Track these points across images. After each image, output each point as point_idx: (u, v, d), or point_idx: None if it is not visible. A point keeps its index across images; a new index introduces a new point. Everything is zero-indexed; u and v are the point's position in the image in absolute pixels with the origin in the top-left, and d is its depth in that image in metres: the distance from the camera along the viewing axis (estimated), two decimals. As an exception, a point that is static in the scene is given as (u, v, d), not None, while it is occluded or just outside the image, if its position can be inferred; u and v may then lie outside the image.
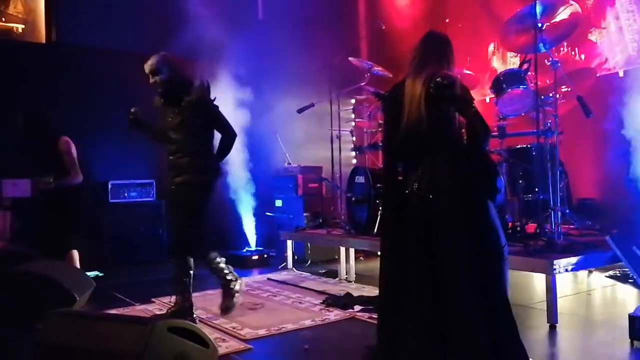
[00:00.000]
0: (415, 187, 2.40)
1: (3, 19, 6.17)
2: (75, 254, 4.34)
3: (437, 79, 2.37)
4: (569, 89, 4.64)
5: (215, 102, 3.62)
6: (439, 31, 2.67)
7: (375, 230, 4.79)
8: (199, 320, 3.55)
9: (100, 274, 5.28)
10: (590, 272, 4.78)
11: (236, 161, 6.29)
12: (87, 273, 4.21)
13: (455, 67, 2.58)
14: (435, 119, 2.37)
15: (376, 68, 5.57)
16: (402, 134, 2.45)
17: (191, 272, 3.57)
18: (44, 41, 6.32)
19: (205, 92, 3.58)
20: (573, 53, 5.82)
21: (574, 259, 3.41)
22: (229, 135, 3.65)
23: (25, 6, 6.29)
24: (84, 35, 6.20)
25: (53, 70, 6.05)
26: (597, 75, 5.36)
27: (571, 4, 4.31)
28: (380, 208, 4.86)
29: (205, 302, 4.16)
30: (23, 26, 6.28)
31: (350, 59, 5.73)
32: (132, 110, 3.63)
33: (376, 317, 3.52)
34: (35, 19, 6.35)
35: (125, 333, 2.24)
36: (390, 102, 2.65)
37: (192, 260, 3.57)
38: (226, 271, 3.62)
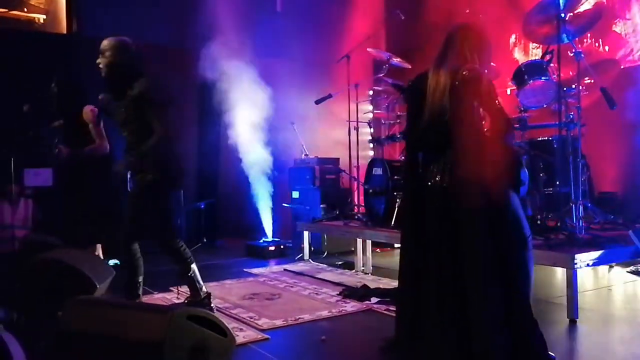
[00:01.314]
0: (438, 178, 2.38)
1: (25, 10, 6.24)
2: (99, 247, 4.37)
3: (464, 72, 2.34)
4: (592, 81, 4.54)
5: (160, 99, 3.32)
6: (467, 22, 2.63)
7: (393, 223, 4.77)
8: (217, 310, 3.57)
9: (120, 263, 5.34)
10: (611, 267, 4.71)
11: (254, 152, 6.30)
12: (107, 261, 4.26)
13: (488, 58, 2.52)
14: (458, 111, 2.35)
15: (395, 59, 5.53)
16: (424, 125, 2.44)
17: (193, 265, 3.49)
18: (65, 32, 6.38)
19: (149, 86, 3.30)
20: (597, 44, 5.70)
21: (595, 254, 3.35)
22: (156, 138, 3.23)
23: (47, -3, 6.37)
24: (104, 26, 6.23)
25: (74, 61, 6.11)
26: (622, 66, 5.24)
27: (596, -6, 4.22)
28: (399, 199, 4.83)
29: (223, 291, 4.19)
30: (44, 17, 6.36)
31: (368, 49, 5.69)
32: (100, 97, 3.48)
33: (394, 309, 3.52)
34: (57, 9, 6.41)
35: (145, 321, 2.26)
36: (413, 93, 2.63)
37: (138, 249, 3.42)
38: (198, 284, 3.51)
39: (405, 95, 2.61)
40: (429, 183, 2.41)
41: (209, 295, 3.57)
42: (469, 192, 2.29)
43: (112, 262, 4.70)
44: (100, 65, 3.38)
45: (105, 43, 3.40)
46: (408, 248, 2.54)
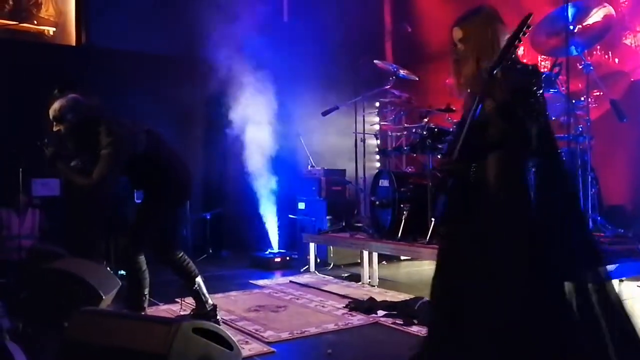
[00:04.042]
0: None
1: (35, 22, 6.31)
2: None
3: None
4: (602, 93, 4.53)
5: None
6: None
7: (400, 235, 4.73)
8: (222, 322, 3.55)
9: (124, 273, 5.33)
10: (621, 281, 4.64)
11: (260, 163, 6.31)
12: (112, 272, 4.25)
13: None
14: None
15: (402, 71, 5.54)
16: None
17: (198, 279, 3.48)
18: (74, 44, 6.44)
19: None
20: (607, 56, 5.67)
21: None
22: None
23: (57, 9, 6.42)
24: (113, 37, 6.30)
25: (83, 73, 6.14)
26: (632, 79, 5.22)
27: (605, 6, 4.20)
28: (406, 212, 4.77)
29: (228, 303, 4.17)
30: (54, 29, 6.42)
31: (375, 61, 5.70)
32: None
33: (400, 322, 3.48)
34: (66, 21, 6.48)
35: (150, 333, 2.24)
36: None
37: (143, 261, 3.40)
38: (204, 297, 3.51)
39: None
40: None
41: (214, 307, 3.54)
42: None
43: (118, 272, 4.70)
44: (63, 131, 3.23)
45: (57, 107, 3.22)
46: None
